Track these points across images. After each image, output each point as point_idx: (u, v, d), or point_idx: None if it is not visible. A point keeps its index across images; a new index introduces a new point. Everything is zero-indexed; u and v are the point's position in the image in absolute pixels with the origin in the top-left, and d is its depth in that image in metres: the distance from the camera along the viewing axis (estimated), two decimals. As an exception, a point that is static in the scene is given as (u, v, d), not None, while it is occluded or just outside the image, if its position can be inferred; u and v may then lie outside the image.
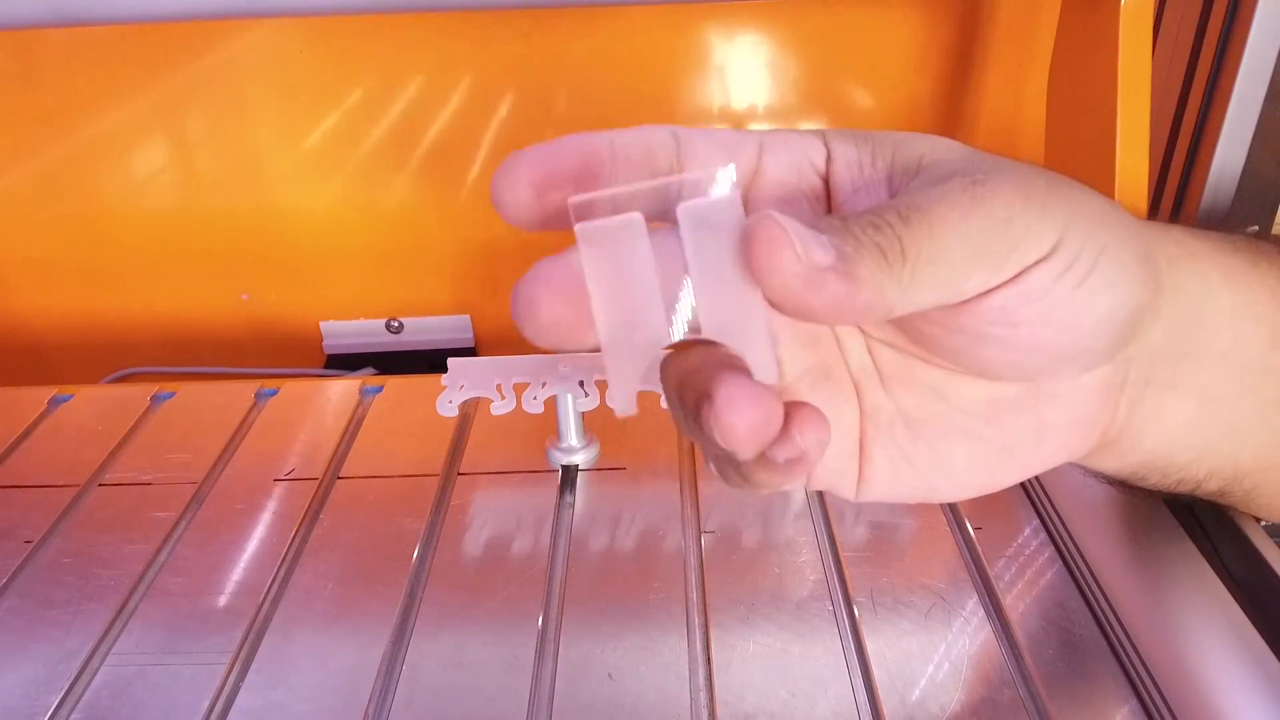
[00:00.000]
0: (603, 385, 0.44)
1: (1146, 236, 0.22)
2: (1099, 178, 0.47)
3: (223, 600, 0.38)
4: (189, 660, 0.35)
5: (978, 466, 0.24)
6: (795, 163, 0.21)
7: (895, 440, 0.23)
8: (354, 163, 0.62)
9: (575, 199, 0.18)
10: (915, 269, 0.18)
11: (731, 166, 0.18)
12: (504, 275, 0.66)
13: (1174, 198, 0.52)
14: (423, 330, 0.68)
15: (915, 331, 0.22)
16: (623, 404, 0.19)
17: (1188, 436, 0.25)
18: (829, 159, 0.22)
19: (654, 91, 0.60)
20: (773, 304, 0.18)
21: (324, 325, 0.68)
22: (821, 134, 0.22)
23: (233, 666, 0.35)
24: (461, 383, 0.44)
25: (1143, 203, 0.47)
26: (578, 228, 0.18)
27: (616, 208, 0.18)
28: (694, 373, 0.19)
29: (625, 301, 0.18)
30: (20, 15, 0.44)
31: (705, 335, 0.19)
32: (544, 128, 0.61)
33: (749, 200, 0.21)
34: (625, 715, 0.33)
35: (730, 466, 0.21)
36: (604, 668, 0.34)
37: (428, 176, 0.62)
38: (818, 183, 0.22)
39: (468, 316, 0.68)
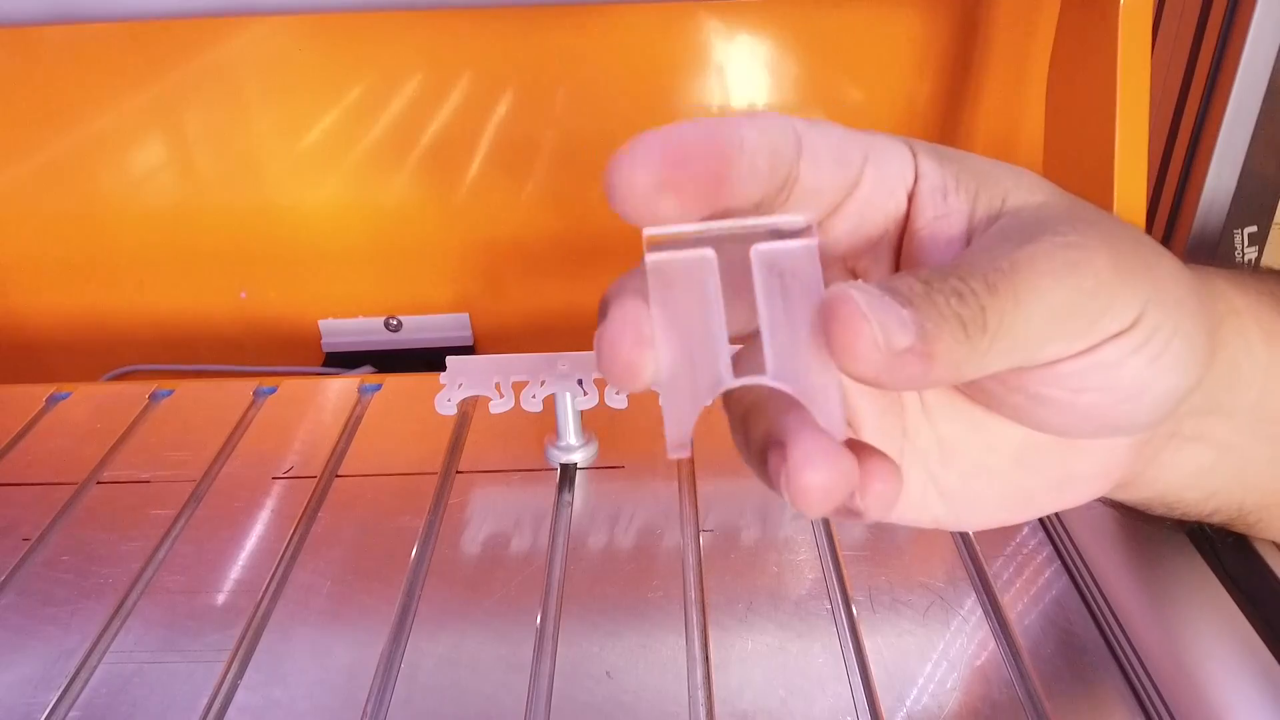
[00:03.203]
0: (601, 383, 0.44)
1: (1208, 304, 0.21)
2: (1098, 178, 0.47)
3: (221, 598, 0.38)
4: (187, 658, 0.35)
5: (1001, 504, 0.23)
6: (889, 180, 0.21)
7: (928, 466, 0.23)
8: (353, 160, 0.62)
9: (650, 231, 0.17)
10: (995, 339, 0.17)
11: (813, 216, 0.17)
12: (503, 274, 0.66)
13: (1172, 197, 0.52)
14: (421, 328, 0.68)
15: (969, 383, 0.21)
16: (678, 445, 0.18)
17: (1200, 480, 0.26)
18: (916, 177, 0.21)
19: (654, 90, 0.60)
20: (843, 370, 0.17)
21: (322, 323, 0.68)
22: (910, 146, 0.21)
23: (231, 664, 0.35)
24: (460, 381, 0.44)
25: (1141, 203, 0.47)
26: (649, 259, 0.17)
27: (694, 242, 0.17)
28: (760, 408, 0.18)
29: (690, 340, 0.18)
30: (19, 13, 0.44)
31: (771, 383, 0.18)
32: (543, 126, 0.61)
33: (840, 213, 0.21)
34: (623, 714, 0.33)
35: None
36: (602, 666, 0.35)
37: (427, 174, 0.62)
38: (903, 201, 0.21)
39: (466, 315, 0.68)
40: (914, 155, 0.21)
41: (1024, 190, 0.20)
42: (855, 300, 0.16)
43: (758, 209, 0.19)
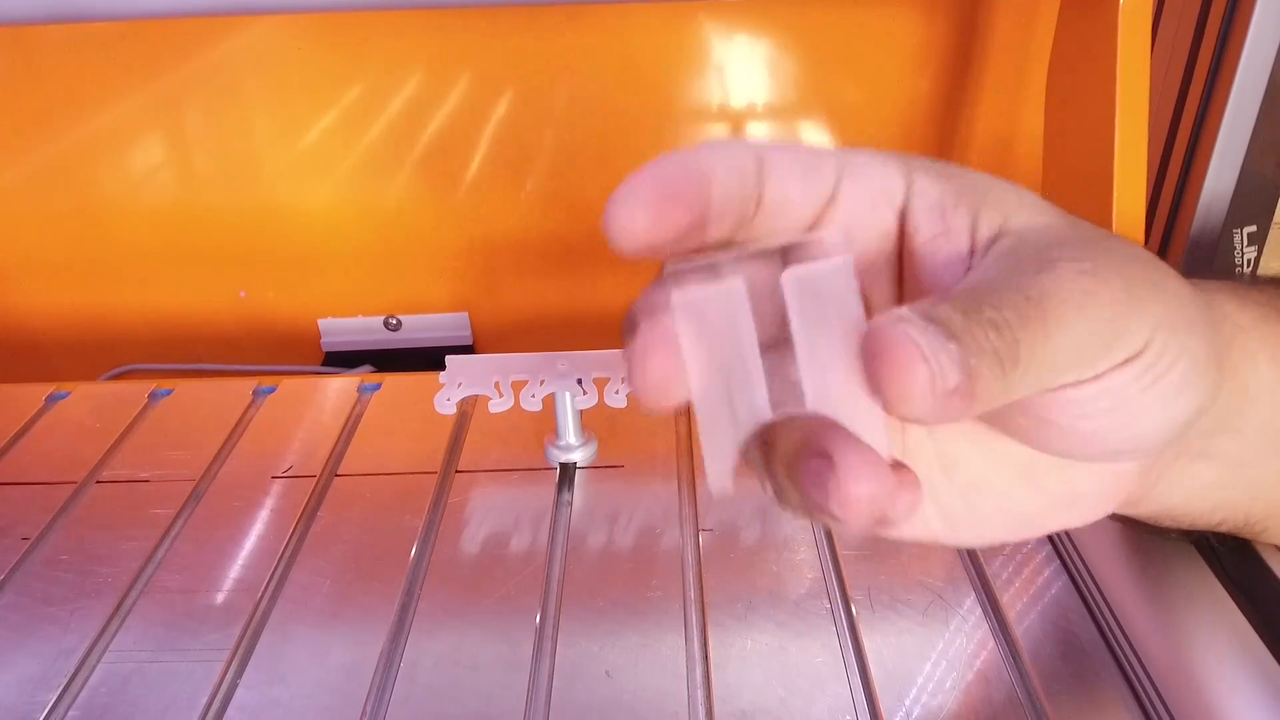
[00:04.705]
0: (601, 382, 0.44)
1: (1216, 326, 0.21)
2: (1098, 178, 0.47)
3: (220, 597, 0.38)
4: (187, 657, 0.35)
5: (1003, 522, 0.23)
6: (872, 195, 0.20)
7: (931, 483, 0.23)
8: (352, 160, 0.62)
9: (671, 265, 0.17)
10: (1025, 373, 0.17)
11: (837, 234, 0.17)
12: (502, 273, 0.66)
13: (1172, 197, 0.52)
14: (421, 327, 0.68)
15: None
16: (720, 482, 0.17)
17: (1208, 493, 0.26)
18: (909, 194, 0.20)
19: (654, 90, 0.60)
20: (887, 410, 0.17)
21: (322, 323, 0.68)
22: (905, 164, 0.20)
23: (230, 663, 0.35)
24: (460, 380, 0.44)
25: (1141, 203, 0.47)
26: (674, 296, 0.17)
27: (715, 273, 0.17)
28: (788, 420, 0.18)
29: (724, 374, 0.17)
30: (18, 11, 0.43)
31: (811, 410, 0.17)
32: (542, 125, 0.61)
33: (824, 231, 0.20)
34: (623, 713, 0.33)
35: (795, 495, 0.20)
36: (602, 666, 0.34)
37: (426, 173, 0.62)
38: (891, 219, 0.20)
39: (466, 314, 0.68)
40: (907, 172, 0.20)
41: (1027, 210, 0.20)
42: (915, 340, 0.16)
43: (731, 234, 0.19)
